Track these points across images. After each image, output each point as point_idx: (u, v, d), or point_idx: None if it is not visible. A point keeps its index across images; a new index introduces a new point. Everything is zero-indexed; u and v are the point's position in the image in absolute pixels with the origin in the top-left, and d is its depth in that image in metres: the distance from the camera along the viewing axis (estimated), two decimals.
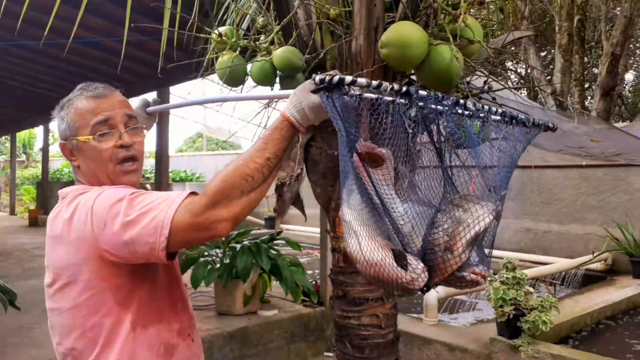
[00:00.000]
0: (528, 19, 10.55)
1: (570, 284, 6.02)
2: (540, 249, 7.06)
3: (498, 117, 1.15)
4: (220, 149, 25.02)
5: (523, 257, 6.58)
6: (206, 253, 4.07)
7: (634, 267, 5.79)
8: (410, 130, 1.09)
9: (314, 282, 4.33)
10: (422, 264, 1.01)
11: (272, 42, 1.77)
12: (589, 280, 5.97)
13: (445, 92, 1.52)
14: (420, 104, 1.03)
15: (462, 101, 1.09)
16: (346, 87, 1.00)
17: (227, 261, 3.86)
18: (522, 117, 1.20)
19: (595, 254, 5.93)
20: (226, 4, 2.54)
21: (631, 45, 13.63)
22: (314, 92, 1.05)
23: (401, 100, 1.02)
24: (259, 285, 3.97)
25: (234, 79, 1.69)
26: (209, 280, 3.72)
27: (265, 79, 1.68)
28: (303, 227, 9.32)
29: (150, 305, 1.18)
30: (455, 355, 3.51)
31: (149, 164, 11.47)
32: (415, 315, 4.54)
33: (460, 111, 1.10)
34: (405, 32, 1.44)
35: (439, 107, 1.05)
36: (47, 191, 12.17)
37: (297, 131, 1.10)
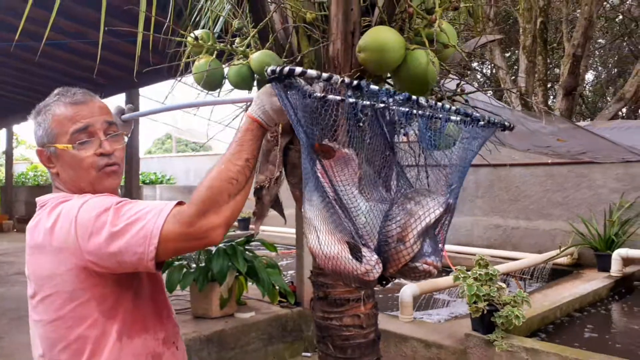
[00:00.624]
0: (493, 20, 10.78)
1: (539, 278, 6.20)
2: (510, 244, 7.24)
3: (454, 116, 1.15)
4: (190, 150, 24.73)
5: (493, 253, 6.74)
6: (181, 257, 4.03)
7: (598, 260, 6.00)
8: (361, 124, 1.11)
9: (290, 283, 4.34)
10: (376, 256, 1.05)
11: (248, 46, 1.77)
12: (557, 274, 6.15)
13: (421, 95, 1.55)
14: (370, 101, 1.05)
15: (414, 97, 1.10)
16: (296, 78, 1.04)
17: (203, 264, 3.83)
18: (477, 115, 1.20)
19: (562, 249, 6.12)
20: (199, 5, 2.53)
21: (590, 46, 14.09)
22: (269, 81, 1.08)
23: (352, 93, 1.04)
24: (235, 287, 3.95)
25: (211, 83, 1.69)
26: (184, 284, 3.69)
27: (242, 83, 1.68)
28: (277, 228, 9.31)
29: (135, 315, 1.17)
30: (431, 351, 3.57)
31: None
32: (391, 313, 4.60)
33: (414, 111, 1.11)
34: (382, 37, 1.46)
35: (390, 101, 1.07)
36: (11, 196, 11.82)
37: (265, 130, 1.14)
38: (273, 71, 1.04)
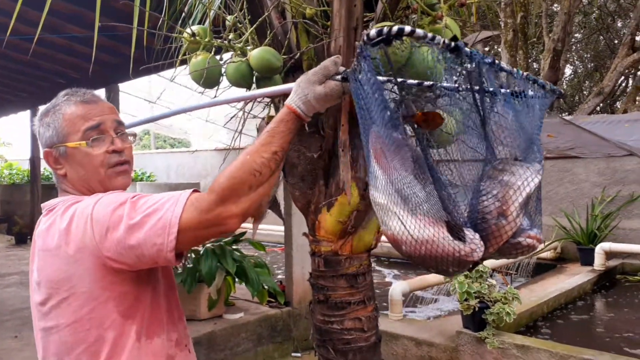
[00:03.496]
0: (474, 15, 10.83)
1: (524, 273, 6.26)
2: None
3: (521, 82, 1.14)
4: (169, 146, 24.39)
5: None
6: None
7: (581, 254, 6.09)
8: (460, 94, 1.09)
9: (279, 282, 4.29)
10: (478, 235, 0.99)
11: (245, 42, 1.71)
12: (540, 268, 6.23)
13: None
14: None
15: (497, 61, 1.09)
16: (402, 38, 1.04)
17: (191, 265, 3.75)
18: (541, 81, 1.20)
19: (546, 243, 6.19)
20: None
21: (568, 41, 14.27)
22: (371, 45, 1.05)
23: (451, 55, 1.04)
24: (223, 288, 3.88)
25: (208, 80, 1.62)
26: None
27: (241, 80, 1.61)
28: (262, 225, 9.22)
29: (153, 314, 1.15)
30: (422, 349, 3.56)
31: None
32: (381, 311, 4.58)
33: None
34: None
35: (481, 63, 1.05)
36: None
37: (303, 122, 1.12)
38: (379, 32, 1.00)
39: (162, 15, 1.61)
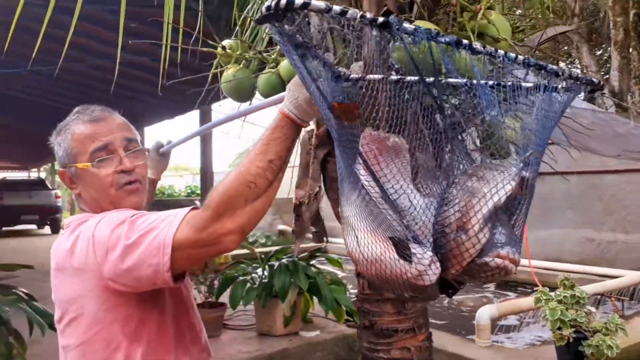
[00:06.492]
0: (579, 16, 10.00)
1: None
2: (605, 260, 6.54)
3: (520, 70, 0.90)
4: None
5: (586, 270, 6.12)
6: (244, 272, 3.99)
7: None
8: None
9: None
10: (429, 253, 0.81)
11: (281, 53, 1.66)
12: None
13: None
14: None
15: (465, 41, 0.86)
16: (297, 13, 0.82)
17: (266, 280, 3.77)
18: (554, 67, 0.93)
19: None
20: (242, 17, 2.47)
21: None
22: (259, 22, 0.90)
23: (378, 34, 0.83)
24: (299, 304, 3.84)
25: (240, 93, 1.59)
26: (247, 299, 3.65)
27: (272, 91, 1.56)
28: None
29: (159, 338, 1.12)
30: None
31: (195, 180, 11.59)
32: (464, 336, 4.27)
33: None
34: None
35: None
36: None
37: (299, 127, 1.02)
38: (268, 7, 0.83)
39: (195, 32, 1.60)
